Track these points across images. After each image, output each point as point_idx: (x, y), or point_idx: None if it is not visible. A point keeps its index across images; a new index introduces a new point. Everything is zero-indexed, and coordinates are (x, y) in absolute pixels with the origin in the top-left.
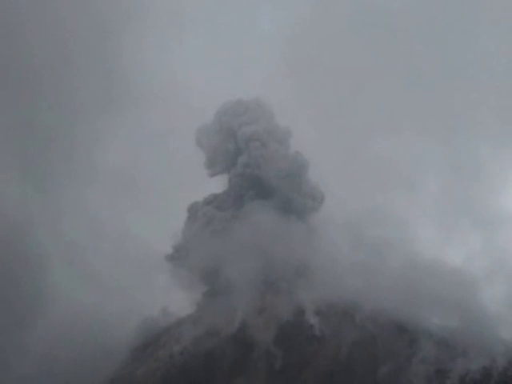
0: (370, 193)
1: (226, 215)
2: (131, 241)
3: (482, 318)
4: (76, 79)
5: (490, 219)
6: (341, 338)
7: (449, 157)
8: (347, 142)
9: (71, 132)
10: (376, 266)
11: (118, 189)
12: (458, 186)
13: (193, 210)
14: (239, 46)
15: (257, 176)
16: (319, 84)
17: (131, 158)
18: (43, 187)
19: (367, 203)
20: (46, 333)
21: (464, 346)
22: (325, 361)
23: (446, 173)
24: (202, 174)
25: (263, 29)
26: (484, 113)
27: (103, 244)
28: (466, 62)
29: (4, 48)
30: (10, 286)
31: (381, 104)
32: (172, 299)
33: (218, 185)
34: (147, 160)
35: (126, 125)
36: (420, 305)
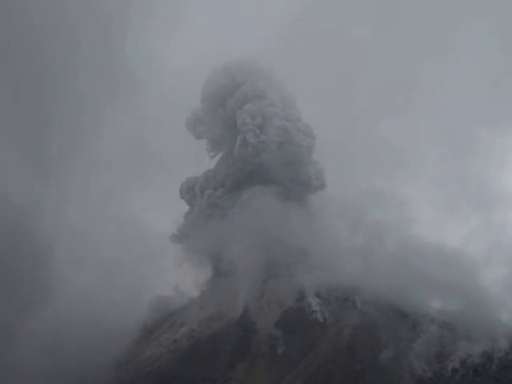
0: (369, 176)
1: (228, 201)
2: (135, 224)
3: (482, 300)
4: (80, 66)
5: (489, 201)
6: (342, 323)
7: (447, 139)
8: (348, 125)
9: (74, 118)
10: (375, 249)
11: (121, 173)
12: (457, 168)
13: (190, 189)
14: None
15: (255, 163)
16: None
17: (134, 143)
18: (48, 173)
19: (367, 186)
20: (54, 316)
21: (466, 330)
22: (327, 345)
23: (444, 155)
24: (203, 157)
25: None
26: (482, 96)
27: (108, 227)
28: (463, 45)
29: (9, 33)
30: (18, 270)
31: (381, 88)
32: (178, 280)
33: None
34: (150, 145)
35: (130, 111)
36: (420, 288)
